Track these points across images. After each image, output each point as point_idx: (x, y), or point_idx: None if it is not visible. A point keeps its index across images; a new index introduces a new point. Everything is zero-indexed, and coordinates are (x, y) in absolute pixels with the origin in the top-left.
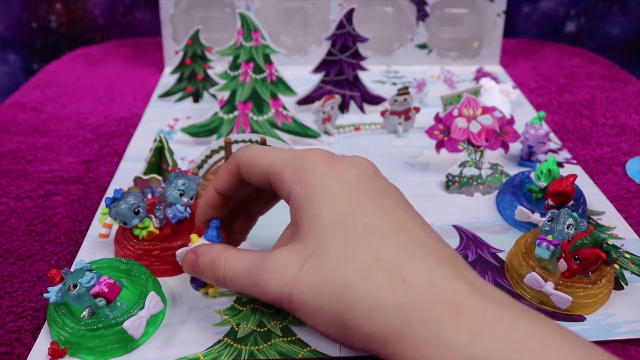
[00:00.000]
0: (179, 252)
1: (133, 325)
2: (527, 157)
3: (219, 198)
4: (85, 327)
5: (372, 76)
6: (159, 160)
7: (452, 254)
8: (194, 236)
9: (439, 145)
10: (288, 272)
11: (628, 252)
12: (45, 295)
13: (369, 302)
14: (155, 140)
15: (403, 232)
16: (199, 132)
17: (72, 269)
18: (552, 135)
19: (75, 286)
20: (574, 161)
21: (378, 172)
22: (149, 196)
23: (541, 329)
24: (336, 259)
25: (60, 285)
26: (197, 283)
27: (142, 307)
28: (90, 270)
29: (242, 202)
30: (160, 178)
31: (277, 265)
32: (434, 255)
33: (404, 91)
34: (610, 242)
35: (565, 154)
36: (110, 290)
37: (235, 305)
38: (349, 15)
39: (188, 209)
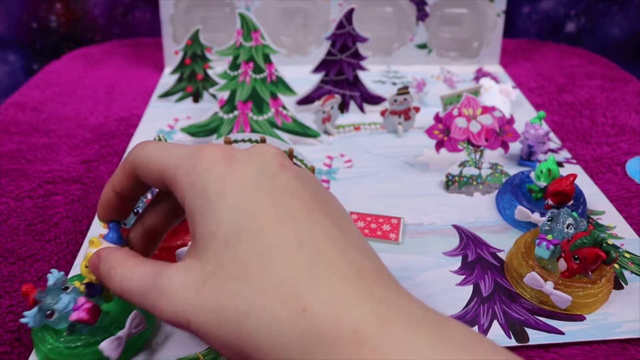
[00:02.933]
0: (178, 252)
1: (110, 346)
2: (527, 157)
3: (116, 199)
4: (64, 344)
5: (372, 76)
6: None
7: (367, 265)
8: (94, 239)
9: (439, 145)
10: (183, 296)
11: (628, 252)
12: (22, 320)
13: (269, 334)
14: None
15: (308, 246)
16: (199, 132)
17: (48, 280)
18: (551, 135)
19: (52, 313)
20: (574, 161)
21: (286, 161)
22: (149, 196)
23: (462, 353)
24: (234, 283)
25: (36, 310)
26: (94, 290)
27: (123, 327)
28: (66, 289)
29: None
30: None
31: (171, 286)
32: (343, 272)
33: (403, 91)
34: (610, 241)
35: (565, 154)
36: (90, 315)
37: None
38: (349, 15)
39: None
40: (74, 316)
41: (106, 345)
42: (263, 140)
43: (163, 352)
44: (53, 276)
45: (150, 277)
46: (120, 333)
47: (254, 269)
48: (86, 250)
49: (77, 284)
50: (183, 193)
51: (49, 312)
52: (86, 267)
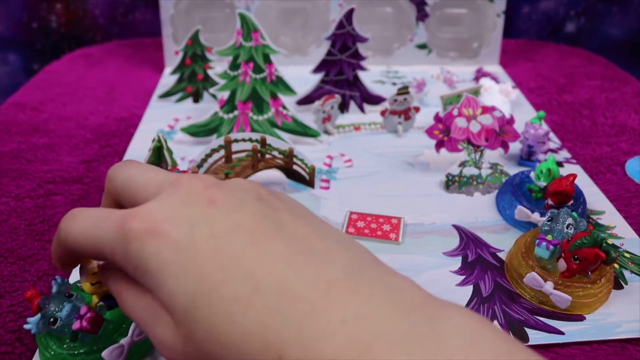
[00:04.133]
0: None
1: (113, 354)
2: (527, 157)
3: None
4: (67, 350)
5: (372, 76)
6: (158, 160)
7: (334, 276)
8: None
9: (439, 145)
10: (174, 349)
11: (628, 252)
12: (25, 326)
13: None
14: (153, 140)
15: (264, 287)
16: (199, 131)
17: (53, 287)
18: (551, 135)
19: (55, 321)
20: (574, 161)
21: (214, 191)
22: None
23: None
24: (207, 345)
25: (39, 317)
26: (111, 303)
27: (125, 335)
28: (70, 296)
29: None
30: None
31: (164, 339)
32: (308, 302)
33: (403, 91)
34: (610, 241)
35: (564, 154)
36: (93, 325)
37: None
38: (349, 15)
39: None
40: (76, 325)
41: (108, 353)
42: (263, 140)
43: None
44: (57, 283)
45: (150, 318)
46: (123, 341)
47: (220, 329)
48: (88, 268)
49: (101, 304)
50: (129, 272)
51: (52, 320)
52: (92, 285)
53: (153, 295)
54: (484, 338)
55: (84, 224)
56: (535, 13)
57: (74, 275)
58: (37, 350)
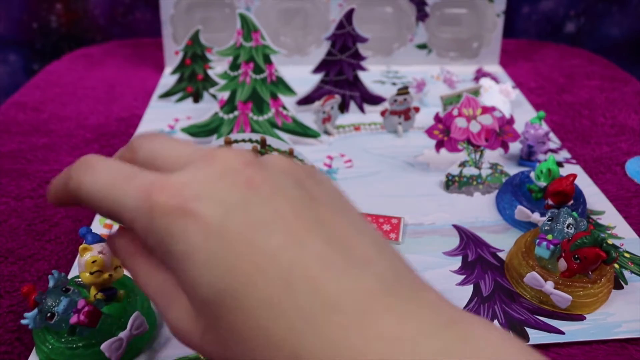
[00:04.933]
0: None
1: (111, 347)
2: (527, 157)
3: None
4: (65, 345)
5: (372, 76)
6: None
7: (370, 287)
8: (85, 246)
9: (439, 145)
10: (190, 337)
11: (628, 252)
12: (22, 321)
13: None
14: None
15: (298, 295)
16: (199, 132)
17: (49, 282)
18: (551, 135)
19: (52, 315)
20: (574, 161)
21: (252, 170)
22: None
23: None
24: (229, 341)
25: (36, 312)
26: (111, 294)
27: (124, 328)
28: (67, 291)
29: None
30: None
31: (180, 326)
32: (344, 312)
33: (403, 91)
34: (610, 241)
35: (564, 154)
36: (90, 319)
37: None
38: (349, 15)
39: None
40: (74, 319)
41: (107, 347)
42: (263, 141)
43: (164, 352)
44: (54, 278)
45: (165, 297)
46: (122, 334)
47: (245, 332)
48: (84, 259)
49: (99, 295)
50: (149, 246)
51: (49, 315)
52: (90, 274)
53: (172, 274)
54: (513, 356)
55: (102, 180)
56: (535, 13)
57: (75, 272)
58: (34, 348)
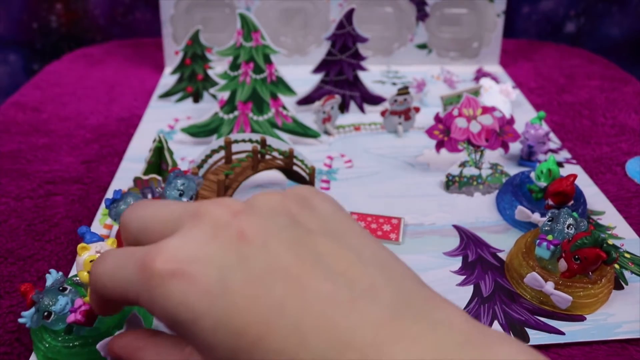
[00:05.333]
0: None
1: (107, 347)
2: (527, 157)
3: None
4: (62, 343)
5: (372, 76)
6: (159, 160)
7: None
8: (84, 245)
9: (439, 145)
10: None
11: (628, 252)
12: (19, 320)
13: None
14: (154, 141)
15: (310, 339)
16: (199, 132)
17: (47, 281)
18: (552, 135)
19: (49, 314)
20: (574, 161)
21: (244, 223)
22: (149, 196)
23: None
24: None
25: (34, 310)
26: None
27: (121, 327)
28: (64, 290)
29: None
30: (160, 178)
31: None
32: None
33: (404, 91)
34: (610, 241)
35: (565, 154)
36: (87, 318)
37: None
38: (349, 15)
39: None
40: (71, 318)
41: (103, 346)
42: (263, 141)
43: None
44: (51, 277)
45: None
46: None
47: None
48: (83, 258)
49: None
50: (157, 318)
51: (46, 313)
52: (88, 272)
53: (180, 351)
54: None
55: (109, 265)
56: (535, 13)
57: (74, 272)
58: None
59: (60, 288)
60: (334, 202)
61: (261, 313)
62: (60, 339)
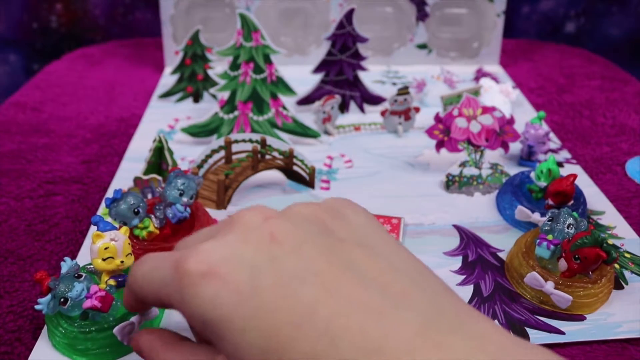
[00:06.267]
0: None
1: (124, 331)
2: (527, 157)
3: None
4: (78, 329)
5: (372, 76)
6: (159, 160)
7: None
8: (98, 233)
9: (439, 145)
10: None
11: (628, 252)
12: (36, 307)
13: None
14: (154, 141)
15: (340, 342)
16: (199, 132)
17: (62, 268)
18: (552, 135)
19: (66, 300)
20: (574, 161)
21: (274, 226)
22: (149, 196)
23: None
24: None
25: (50, 297)
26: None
27: (136, 313)
28: (79, 277)
29: None
30: (160, 178)
31: None
32: None
33: (404, 91)
34: (610, 241)
35: (565, 154)
36: (103, 303)
37: None
38: (349, 15)
39: (188, 209)
40: (87, 304)
41: (120, 330)
42: (263, 141)
43: None
44: (66, 264)
45: None
46: (133, 319)
47: None
48: (97, 246)
49: (111, 282)
50: (188, 319)
51: (62, 300)
52: (102, 260)
53: (205, 351)
54: None
55: (147, 266)
56: (535, 13)
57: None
58: (32, 350)
59: (76, 275)
60: (367, 213)
61: (291, 315)
62: (76, 324)
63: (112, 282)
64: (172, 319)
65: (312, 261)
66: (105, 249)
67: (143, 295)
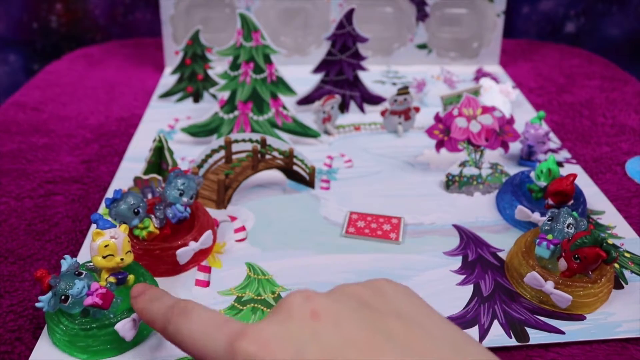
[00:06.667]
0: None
1: (125, 327)
2: (527, 157)
3: None
4: (79, 326)
5: (372, 76)
6: (159, 160)
7: None
8: (98, 230)
9: (439, 145)
10: None
11: (628, 252)
12: (37, 304)
13: None
14: (154, 140)
15: None
16: (199, 132)
17: (62, 266)
18: (551, 135)
19: (66, 298)
20: (574, 161)
21: (316, 304)
22: (149, 196)
23: None
24: None
25: (50, 295)
26: (123, 278)
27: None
28: (79, 274)
29: None
30: (160, 178)
31: None
32: None
33: (404, 91)
34: (610, 241)
35: (565, 154)
36: (104, 300)
37: (236, 304)
38: (349, 15)
39: (188, 209)
40: (88, 301)
41: (121, 326)
42: (263, 141)
43: (165, 351)
44: (66, 262)
45: None
46: (134, 315)
47: None
48: (97, 244)
49: (111, 279)
50: None
51: (63, 297)
52: (103, 258)
53: None
54: None
55: (196, 327)
56: (535, 13)
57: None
58: (33, 350)
59: (76, 273)
60: (407, 288)
61: None
62: (77, 321)
63: (112, 279)
64: None
65: (352, 333)
66: (105, 246)
67: (183, 349)
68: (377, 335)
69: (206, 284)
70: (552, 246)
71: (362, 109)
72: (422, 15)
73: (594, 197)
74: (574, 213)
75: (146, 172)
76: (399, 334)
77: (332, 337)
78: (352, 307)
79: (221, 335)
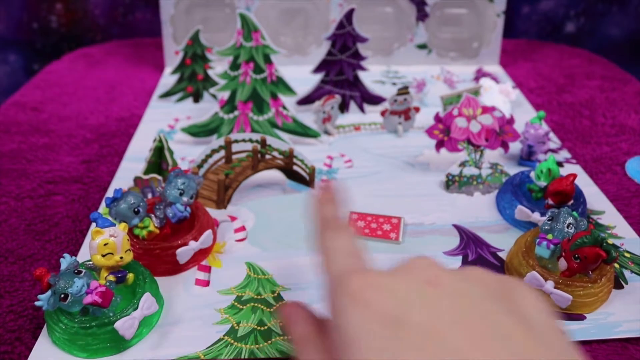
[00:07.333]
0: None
1: (125, 325)
2: (527, 157)
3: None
4: (79, 324)
5: (372, 76)
6: (159, 160)
7: None
8: (98, 229)
9: (439, 144)
10: None
11: (628, 252)
12: (36, 303)
13: None
14: (155, 140)
15: None
16: (199, 132)
17: (61, 265)
18: (551, 135)
19: (66, 296)
20: (574, 161)
21: (439, 274)
22: (149, 196)
23: None
24: None
25: (50, 293)
26: (122, 276)
27: (136, 308)
28: (79, 273)
29: None
30: (160, 178)
31: None
32: None
33: (403, 91)
34: (610, 241)
35: (565, 154)
36: (104, 298)
37: (236, 303)
38: (349, 15)
39: (188, 208)
40: (88, 299)
41: (121, 325)
42: (263, 140)
43: (163, 351)
44: (66, 261)
45: None
46: (134, 314)
47: None
48: (96, 242)
49: (111, 277)
50: (329, 312)
51: (62, 296)
52: (102, 256)
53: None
54: None
55: (337, 248)
56: (535, 13)
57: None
58: (32, 350)
59: (75, 271)
60: (541, 297)
61: (430, 352)
62: (76, 320)
63: (111, 277)
64: (171, 318)
65: (464, 316)
66: (105, 245)
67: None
68: (490, 329)
69: (206, 283)
70: (552, 246)
71: (362, 109)
72: (422, 15)
73: (594, 197)
74: (574, 213)
75: (146, 172)
76: (517, 340)
77: (442, 311)
78: (476, 291)
79: (346, 263)
